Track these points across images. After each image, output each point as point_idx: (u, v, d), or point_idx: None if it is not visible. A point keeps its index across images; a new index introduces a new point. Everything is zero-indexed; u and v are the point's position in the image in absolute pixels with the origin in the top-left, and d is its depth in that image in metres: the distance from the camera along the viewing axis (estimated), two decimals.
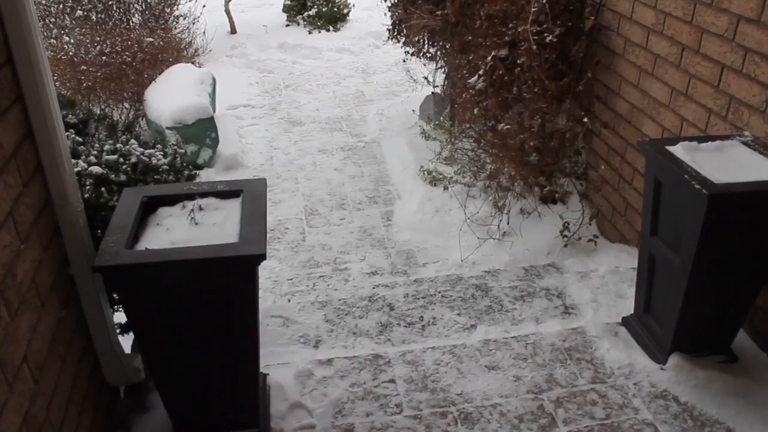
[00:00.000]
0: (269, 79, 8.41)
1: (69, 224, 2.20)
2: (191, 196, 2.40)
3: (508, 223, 4.38)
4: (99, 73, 6.36)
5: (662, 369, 2.85)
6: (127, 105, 6.67)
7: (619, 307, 3.34)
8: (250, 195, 2.38)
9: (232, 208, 2.35)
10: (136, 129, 5.57)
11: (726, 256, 2.59)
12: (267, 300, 3.91)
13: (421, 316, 3.43)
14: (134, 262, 2.10)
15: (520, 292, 3.60)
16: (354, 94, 7.84)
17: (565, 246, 4.10)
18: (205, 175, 5.53)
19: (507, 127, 4.25)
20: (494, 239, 4.34)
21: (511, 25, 4.16)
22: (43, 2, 7.72)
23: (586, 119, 4.09)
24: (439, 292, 3.62)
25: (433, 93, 6.58)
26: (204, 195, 2.41)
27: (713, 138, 2.78)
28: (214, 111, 6.35)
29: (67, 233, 2.21)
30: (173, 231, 2.25)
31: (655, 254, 2.85)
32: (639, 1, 3.58)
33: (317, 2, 10.28)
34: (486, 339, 3.12)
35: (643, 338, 2.99)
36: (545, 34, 3.93)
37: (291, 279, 4.18)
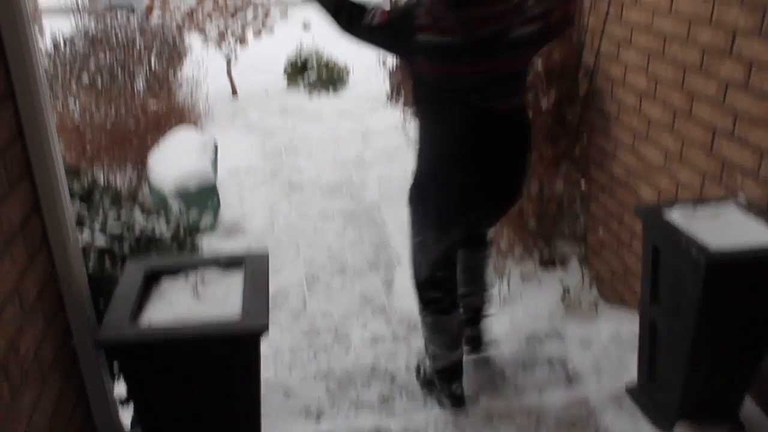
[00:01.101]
0: (270, 143, 8.50)
1: (73, 296, 2.21)
2: (194, 267, 2.43)
3: (508, 290, 4.38)
4: (103, 140, 6.47)
5: None
6: (130, 170, 6.74)
7: (623, 374, 3.30)
8: (252, 267, 2.40)
9: (234, 280, 2.37)
10: (139, 196, 5.63)
11: (727, 322, 2.59)
12: (268, 370, 3.87)
13: None
14: (138, 339, 2.11)
15: (521, 361, 3.56)
16: (354, 158, 7.91)
17: (566, 311, 4.09)
18: (207, 240, 5.55)
19: None
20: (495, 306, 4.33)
21: None
22: (51, 70, 7.90)
23: (583, 183, 4.13)
24: None
25: None
26: (206, 266, 2.43)
27: (709, 202, 2.81)
28: (216, 175, 6.42)
29: (71, 305, 2.22)
30: (176, 304, 2.26)
31: (657, 322, 2.85)
32: (631, 67, 3.68)
33: (317, 67, 10.52)
34: (488, 410, 3.09)
35: (648, 407, 2.97)
36: (540, 100, 4.02)
37: (292, 348, 4.14)
